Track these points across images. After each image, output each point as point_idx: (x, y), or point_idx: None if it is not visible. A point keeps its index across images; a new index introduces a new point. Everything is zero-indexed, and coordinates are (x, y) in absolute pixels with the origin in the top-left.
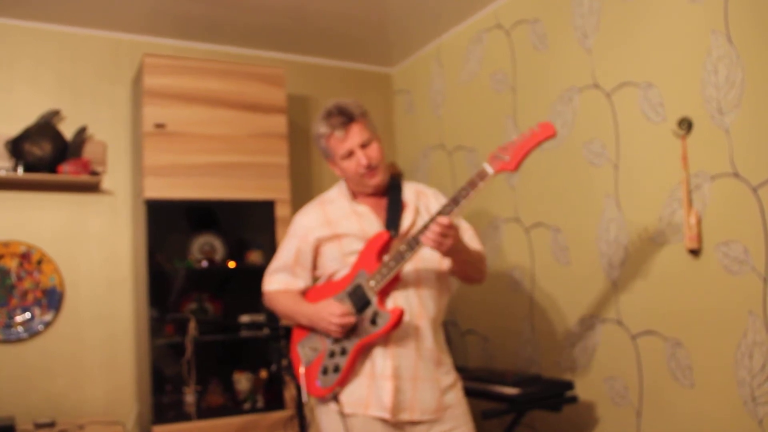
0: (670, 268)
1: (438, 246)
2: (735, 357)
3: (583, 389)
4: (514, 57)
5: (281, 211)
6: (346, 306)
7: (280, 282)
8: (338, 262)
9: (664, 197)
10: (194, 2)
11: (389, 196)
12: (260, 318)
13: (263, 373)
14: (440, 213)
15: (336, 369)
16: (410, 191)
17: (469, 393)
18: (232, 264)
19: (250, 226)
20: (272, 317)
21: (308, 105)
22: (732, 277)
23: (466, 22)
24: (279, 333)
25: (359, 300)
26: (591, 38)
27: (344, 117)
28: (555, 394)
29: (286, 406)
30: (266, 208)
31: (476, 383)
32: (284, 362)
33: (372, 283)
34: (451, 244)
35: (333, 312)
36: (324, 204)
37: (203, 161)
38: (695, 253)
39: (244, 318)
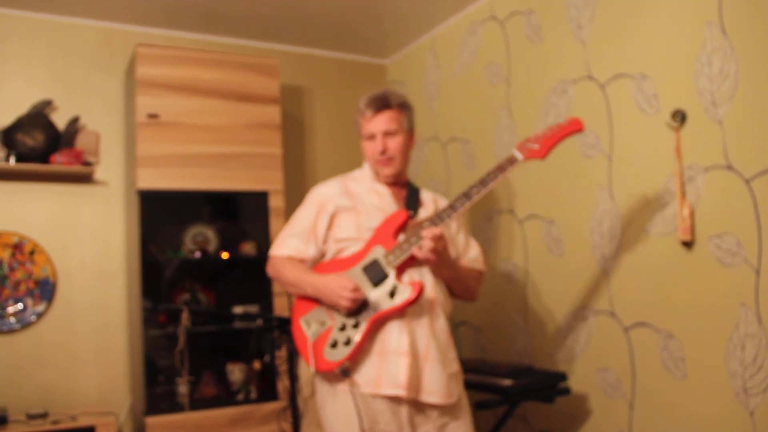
0: (663, 260)
1: (428, 257)
2: (727, 349)
3: (575, 381)
4: (508, 48)
5: (275, 202)
6: (359, 280)
7: (291, 248)
8: (352, 234)
9: (658, 189)
10: None
11: (408, 190)
12: (254, 309)
13: (256, 364)
14: (466, 194)
15: (347, 342)
16: (427, 195)
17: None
18: (225, 255)
19: (244, 217)
20: (266, 308)
21: (302, 95)
22: (725, 269)
23: (461, 14)
24: (272, 324)
25: (376, 274)
26: (585, 30)
27: (380, 102)
28: (548, 385)
29: (279, 397)
30: (260, 199)
31: (469, 375)
32: (279, 353)
33: (390, 257)
34: (440, 253)
35: (344, 286)
36: (346, 179)
37: (197, 152)
38: (688, 245)
39: (238, 309)
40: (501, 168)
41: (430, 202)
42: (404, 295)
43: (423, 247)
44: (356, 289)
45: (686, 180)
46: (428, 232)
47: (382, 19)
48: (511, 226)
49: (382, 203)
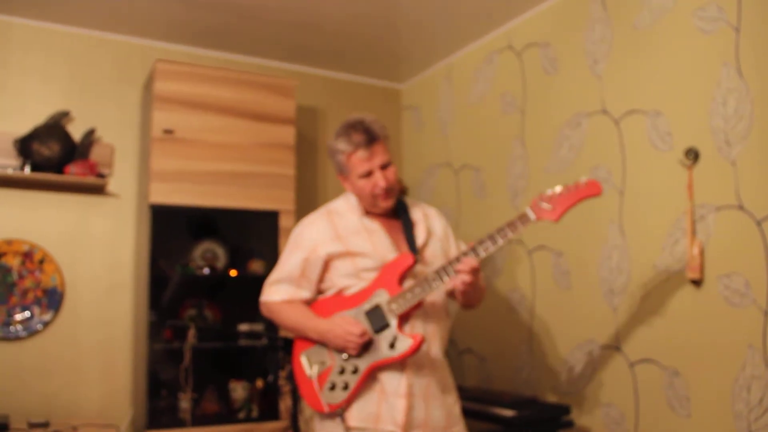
0: (671, 297)
1: (465, 287)
2: (733, 390)
3: (579, 414)
4: (524, 79)
5: (285, 221)
6: (364, 324)
7: (283, 293)
8: (351, 278)
9: (668, 226)
10: (208, 11)
11: (400, 217)
12: (259, 327)
13: (259, 383)
14: (474, 249)
15: (345, 387)
16: (417, 211)
17: (465, 413)
18: (233, 272)
19: (254, 236)
20: (271, 327)
21: (317, 117)
22: (733, 310)
23: (478, 42)
24: (277, 343)
25: (378, 321)
26: (601, 64)
27: (368, 136)
28: (551, 417)
29: (280, 417)
30: (270, 219)
31: (472, 404)
32: (283, 373)
33: (394, 306)
34: (474, 284)
35: (351, 331)
36: (331, 215)
37: (210, 169)
38: (697, 283)
39: (243, 326)
40: (512, 226)
41: (420, 219)
42: (403, 347)
43: (461, 280)
44: (363, 334)
45: (697, 218)
46: (465, 265)
47: (399, 44)
48: (519, 257)
49: (375, 243)
